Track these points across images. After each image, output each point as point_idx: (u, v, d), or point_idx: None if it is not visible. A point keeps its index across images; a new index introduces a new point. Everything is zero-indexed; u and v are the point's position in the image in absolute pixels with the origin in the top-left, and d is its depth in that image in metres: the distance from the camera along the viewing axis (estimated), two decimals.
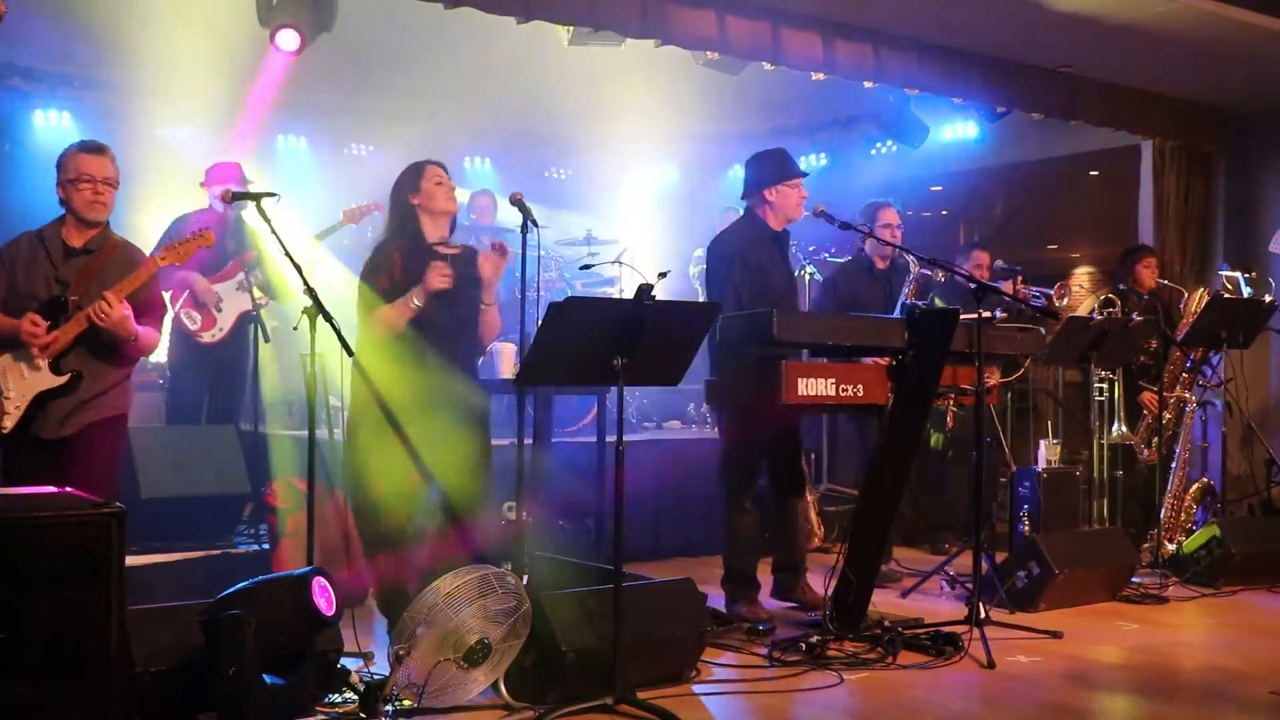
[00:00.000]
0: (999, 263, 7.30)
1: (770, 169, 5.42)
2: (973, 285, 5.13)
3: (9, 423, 4.19)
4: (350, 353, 4.15)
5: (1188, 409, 6.88)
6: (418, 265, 4.63)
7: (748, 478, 5.38)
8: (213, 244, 4.40)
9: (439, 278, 4.58)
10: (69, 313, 4.21)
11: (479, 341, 4.84)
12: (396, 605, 4.11)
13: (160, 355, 7.38)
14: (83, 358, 4.26)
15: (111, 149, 4.33)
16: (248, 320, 6.44)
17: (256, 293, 6.30)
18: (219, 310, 6.40)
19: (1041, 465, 6.86)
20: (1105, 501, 6.73)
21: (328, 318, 4.10)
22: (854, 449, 6.60)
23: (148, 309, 4.36)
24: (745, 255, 5.30)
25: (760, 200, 5.42)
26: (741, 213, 5.71)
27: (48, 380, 4.21)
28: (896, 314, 5.73)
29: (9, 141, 7.68)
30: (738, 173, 5.53)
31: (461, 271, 4.67)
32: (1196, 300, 6.77)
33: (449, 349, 4.65)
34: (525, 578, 4.41)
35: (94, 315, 4.16)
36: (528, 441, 5.04)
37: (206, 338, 6.37)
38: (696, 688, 4.25)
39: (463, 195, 6.72)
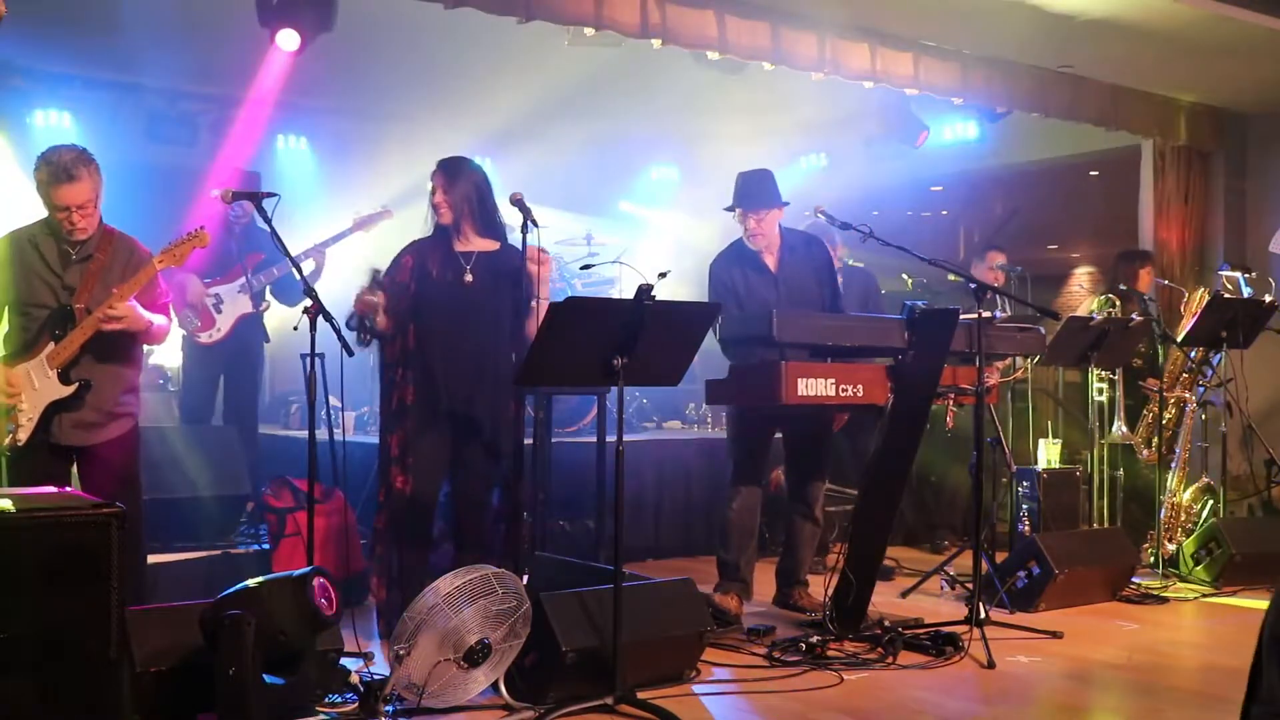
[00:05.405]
0: (1000, 261, 7.31)
1: (735, 194, 5.42)
2: (972, 285, 5.13)
3: (23, 434, 4.18)
4: (350, 353, 4.15)
5: (1188, 409, 6.88)
6: (430, 265, 4.65)
7: (741, 476, 5.39)
8: (208, 244, 4.34)
9: (360, 304, 4.53)
10: (76, 321, 4.18)
11: (509, 341, 4.69)
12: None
13: (167, 358, 7.43)
14: (91, 365, 4.23)
15: (85, 157, 4.15)
16: (248, 322, 6.46)
17: (261, 300, 6.37)
18: (218, 311, 6.42)
19: (1041, 465, 6.87)
20: (1105, 501, 6.73)
21: (328, 318, 4.10)
22: (854, 450, 6.61)
23: (153, 303, 4.34)
24: (727, 270, 5.38)
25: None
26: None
27: (57, 390, 4.19)
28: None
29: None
30: (738, 173, 5.52)
31: (490, 271, 4.66)
32: (1196, 300, 6.77)
33: (476, 359, 4.64)
34: (525, 578, 4.41)
35: (104, 320, 4.13)
36: (528, 441, 5.04)
37: (204, 338, 6.41)
38: (696, 688, 4.25)
39: None
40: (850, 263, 6.82)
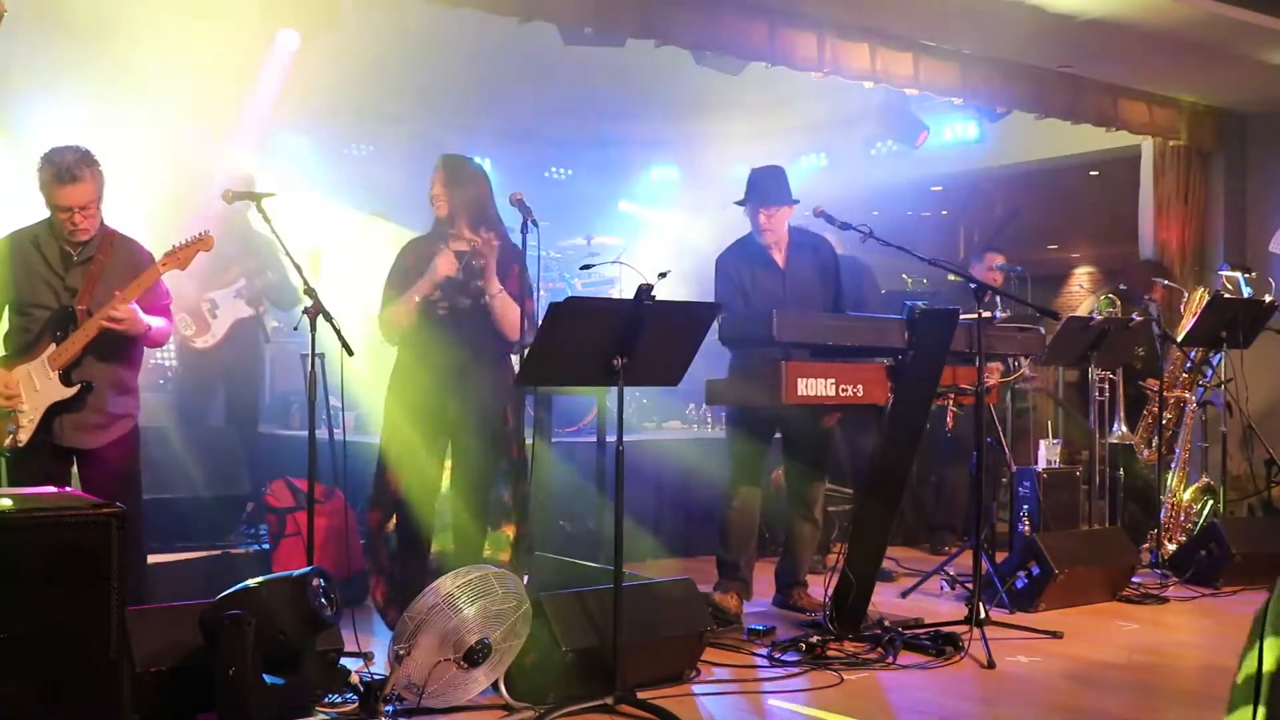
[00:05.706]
0: (999, 262, 7.31)
1: (747, 189, 5.42)
2: (972, 286, 5.14)
3: (24, 436, 4.16)
4: (350, 352, 4.15)
5: (1188, 409, 6.88)
6: (426, 264, 4.66)
7: (741, 476, 5.39)
8: (212, 247, 4.34)
9: (445, 264, 4.55)
10: (78, 322, 4.16)
11: (500, 335, 4.70)
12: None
13: (168, 358, 7.41)
14: (92, 366, 4.21)
15: (88, 158, 4.14)
16: (244, 327, 6.43)
17: (259, 304, 6.34)
18: (213, 316, 6.38)
19: (1041, 465, 6.87)
20: (1105, 501, 6.73)
21: (328, 318, 4.10)
22: (853, 450, 6.61)
23: (154, 305, 4.33)
24: (734, 264, 5.37)
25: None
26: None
27: (58, 391, 4.17)
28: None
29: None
30: (738, 172, 5.52)
31: (472, 266, 4.67)
32: (1196, 300, 6.77)
33: (472, 340, 4.63)
34: (525, 578, 4.41)
35: (108, 322, 4.12)
36: (528, 441, 5.04)
37: (199, 343, 6.34)
38: (696, 688, 4.25)
39: None
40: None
